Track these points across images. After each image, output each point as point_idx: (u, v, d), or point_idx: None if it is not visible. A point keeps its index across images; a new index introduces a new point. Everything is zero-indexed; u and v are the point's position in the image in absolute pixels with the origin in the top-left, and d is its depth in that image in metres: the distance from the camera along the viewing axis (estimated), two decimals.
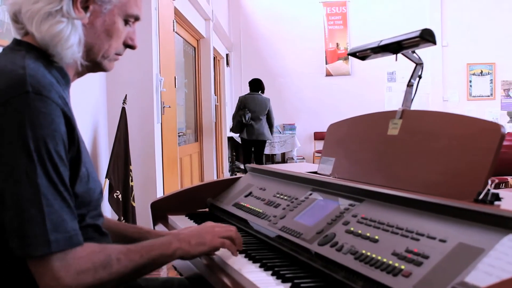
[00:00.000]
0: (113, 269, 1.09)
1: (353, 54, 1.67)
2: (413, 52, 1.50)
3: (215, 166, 7.70)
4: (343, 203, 1.36)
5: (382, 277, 1.00)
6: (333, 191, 1.46)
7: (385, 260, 1.03)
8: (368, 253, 1.09)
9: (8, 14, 1.21)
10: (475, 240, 0.94)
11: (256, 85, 7.62)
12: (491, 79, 10.48)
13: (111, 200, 3.81)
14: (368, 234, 1.15)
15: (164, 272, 3.54)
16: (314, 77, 10.70)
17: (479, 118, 1.22)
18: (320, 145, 10.67)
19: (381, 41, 1.52)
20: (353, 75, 10.65)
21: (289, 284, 1.11)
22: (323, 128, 10.47)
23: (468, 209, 1.02)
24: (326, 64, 10.73)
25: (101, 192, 1.27)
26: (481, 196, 1.10)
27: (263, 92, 7.69)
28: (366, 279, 1.03)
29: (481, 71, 10.47)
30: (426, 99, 10.22)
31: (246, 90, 10.70)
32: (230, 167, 9.87)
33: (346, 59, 10.68)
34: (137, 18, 1.28)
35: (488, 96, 10.52)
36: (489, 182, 1.12)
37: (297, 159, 10.14)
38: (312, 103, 10.66)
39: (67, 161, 1.08)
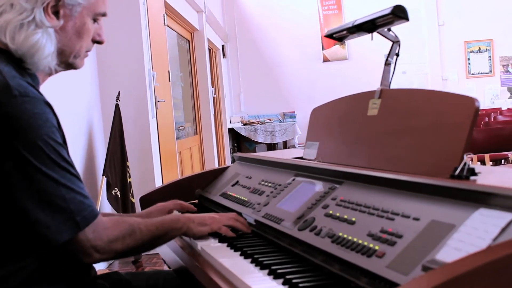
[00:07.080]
0: (138, 237, 1.19)
1: (330, 36, 1.64)
2: (389, 30, 1.48)
3: (217, 158, 7.69)
4: (324, 186, 1.34)
5: (357, 259, 0.98)
6: (315, 175, 1.45)
7: (360, 241, 1.02)
8: (345, 236, 1.07)
9: None
10: (447, 217, 0.92)
11: None
12: (490, 56, 10.38)
13: (110, 197, 3.81)
14: (345, 217, 1.14)
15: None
16: (312, 63, 10.63)
17: (454, 93, 1.20)
18: None
19: (355, 20, 1.50)
20: (351, 59, 10.57)
21: (267, 271, 1.10)
22: None
23: (439, 185, 1.00)
24: (322, 50, 10.65)
25: None
26: (457, 172, 1.08)
27: None
28: (343, 262, 1.02)
29: (479, 48, 10.38)
30: (425, 79, 10.15)
31: (244, 81, 10.74)
32: (232, 158, 9.86)
33: (343, 43, 10.59)
34: (104, 15, 1.28)
35: (487, 73, 10.42)
36: (465, 157, 1.10)
37: (298, 146, 10.10)
38: (311, 90, 10.58)
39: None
